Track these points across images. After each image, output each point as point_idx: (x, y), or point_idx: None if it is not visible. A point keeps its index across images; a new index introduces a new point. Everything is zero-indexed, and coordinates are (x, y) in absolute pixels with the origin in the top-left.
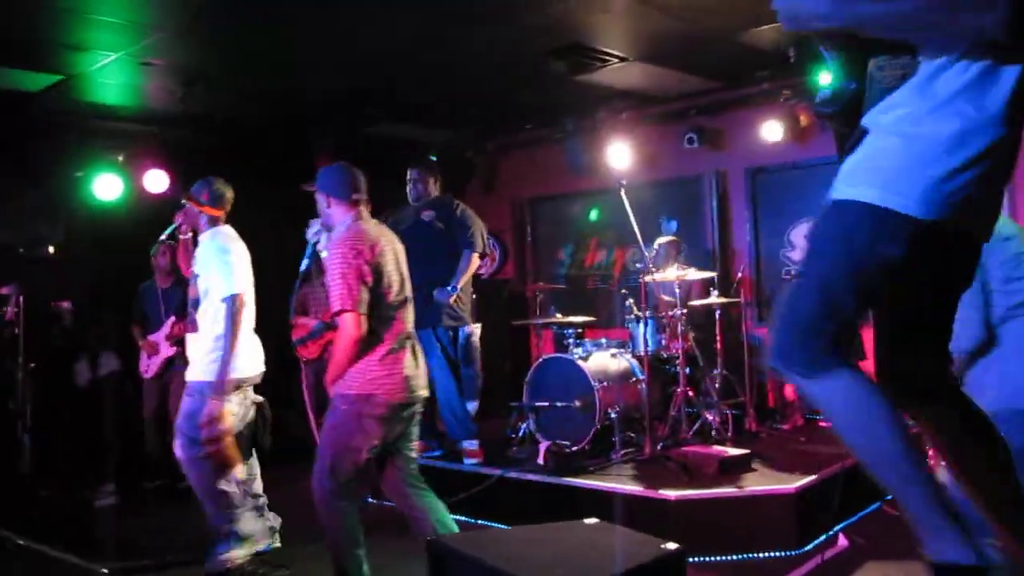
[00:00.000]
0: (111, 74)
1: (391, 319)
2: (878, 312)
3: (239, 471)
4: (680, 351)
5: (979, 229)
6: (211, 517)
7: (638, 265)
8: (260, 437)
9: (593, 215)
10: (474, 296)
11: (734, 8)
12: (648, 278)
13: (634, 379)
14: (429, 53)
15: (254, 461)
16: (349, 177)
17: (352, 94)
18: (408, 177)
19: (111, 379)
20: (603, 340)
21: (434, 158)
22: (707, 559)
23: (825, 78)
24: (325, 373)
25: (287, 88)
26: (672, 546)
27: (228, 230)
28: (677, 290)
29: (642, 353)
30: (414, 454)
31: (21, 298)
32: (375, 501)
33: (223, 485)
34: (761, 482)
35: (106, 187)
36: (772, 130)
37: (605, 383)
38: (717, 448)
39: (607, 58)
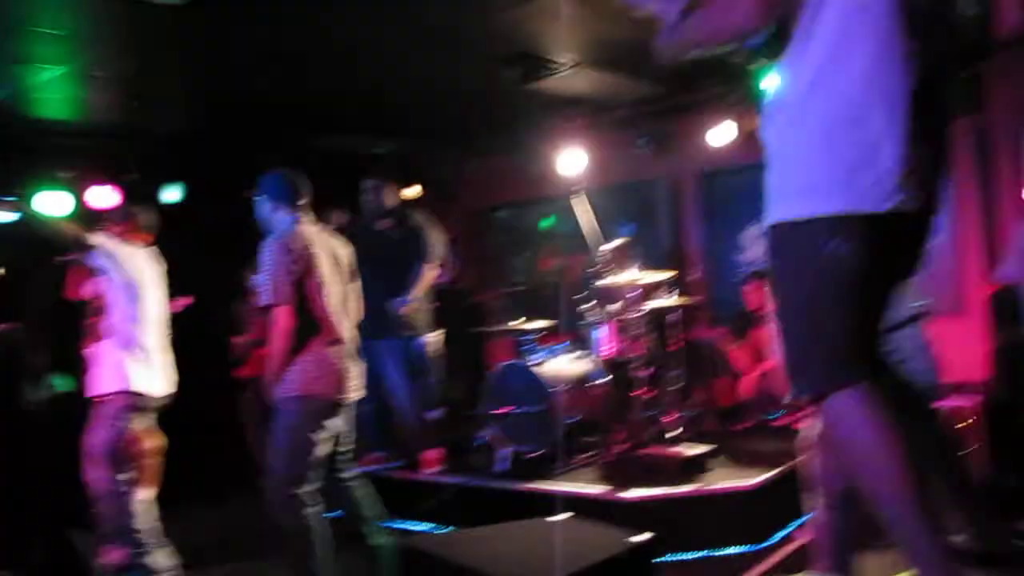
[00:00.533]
0: (56, 88)
1: (326, 321)
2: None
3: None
4: (638, 353)
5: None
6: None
7: (590, 270)
8: None
9: (548, 222)
10: (436, 304)
11: None
12: (604, 282)
13: (593, 383)
14: (379, 63)
15: None
16: (292, 183)
17: (300, 105)
18: (364, 187)
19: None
20: (560, 345)
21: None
22: (670, 558)
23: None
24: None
25: (234, 99)
26: (641, 538)
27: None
28: (633, 292)
29: (600, 357)
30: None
31: None
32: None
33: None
34: (721, 479)
35: (53, 204)
36: (723, 134)
37: (564, 387)
38: (676, 448)
39: (557, 65)
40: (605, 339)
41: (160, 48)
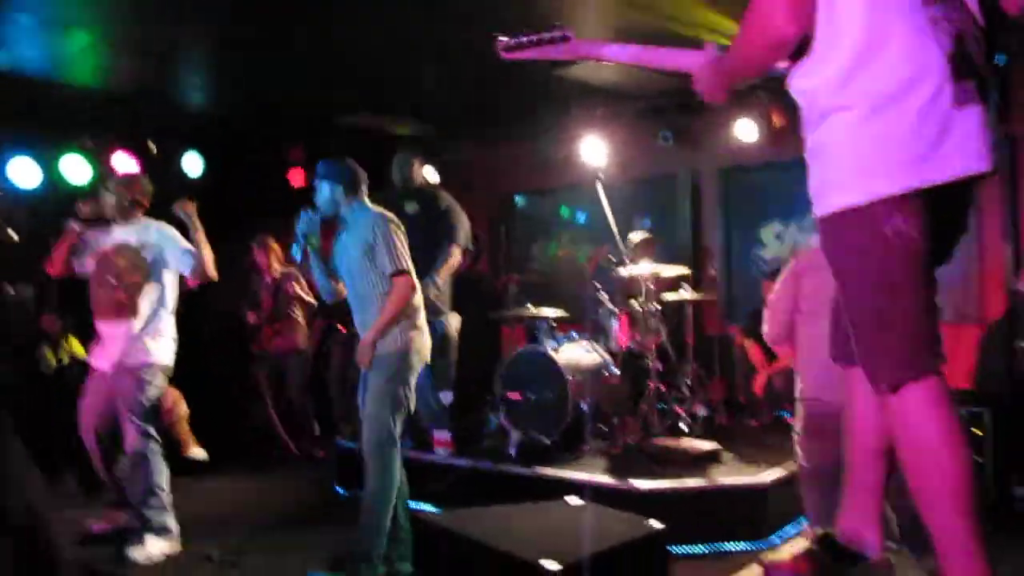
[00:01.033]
0: (83, 53)
1: (415, 289)
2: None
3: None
4: (652, 346)
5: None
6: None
7: (612, 260)
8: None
9: (567, 211)
10: (454, 288)
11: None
12: (621, 273)
13: (606, 373)
14: (406, 45)
15: None
16: (360, 171)
17: (326, 82)
18: (394, 161)
19: (76, 365)
20: (575, 334)
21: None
22: (676, 550)
23: None
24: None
25: (260, 73)
26: (656, 525)
27: None
28: (651, 286)
29: (615, 347)
30: None
31: None
32: (342, 491)
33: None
34: (731, 475)
35: (74, 170)
36: (746, 130)
37: (577, 376)
38: (687, 441)
39: None
40: (620, 330)
41: (189, 20)
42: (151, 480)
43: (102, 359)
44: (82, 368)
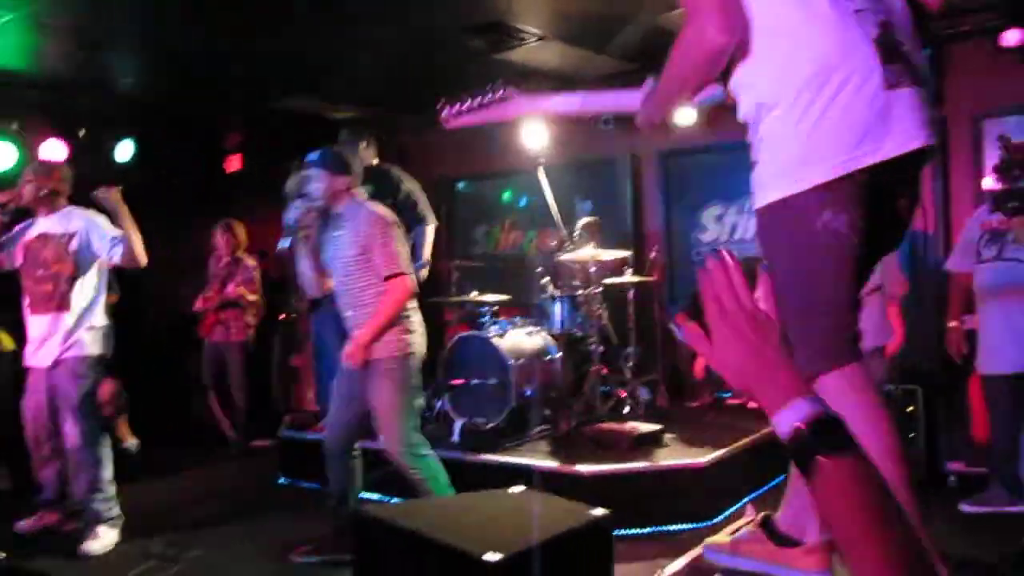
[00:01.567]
0: (6, 35)
1: (414, 285)
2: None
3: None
4: (594, 330)
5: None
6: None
7: (553, 244)
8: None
9: (509, 195)
10: None
11: None
12: (563, 257)
13: (549, 357)
14: (344, 26)
15: None
16: (355, 162)
17: (259, 65)
18: (340, 143)
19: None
20: (518, 319)
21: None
22: (621, 532)
23: None
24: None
25: (192, 56)
26: (600, 512)
27: None
28: (592, 269)
29: (557, 331)
30: None
31: None
32: (285, 481)
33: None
34: (673, 456)
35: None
36: (685, 114)
37: (520, 361)
38: (630, 424)
39: (525, 36)
40: (562, 314)
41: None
42: (96, 473)
43: (38, 356)
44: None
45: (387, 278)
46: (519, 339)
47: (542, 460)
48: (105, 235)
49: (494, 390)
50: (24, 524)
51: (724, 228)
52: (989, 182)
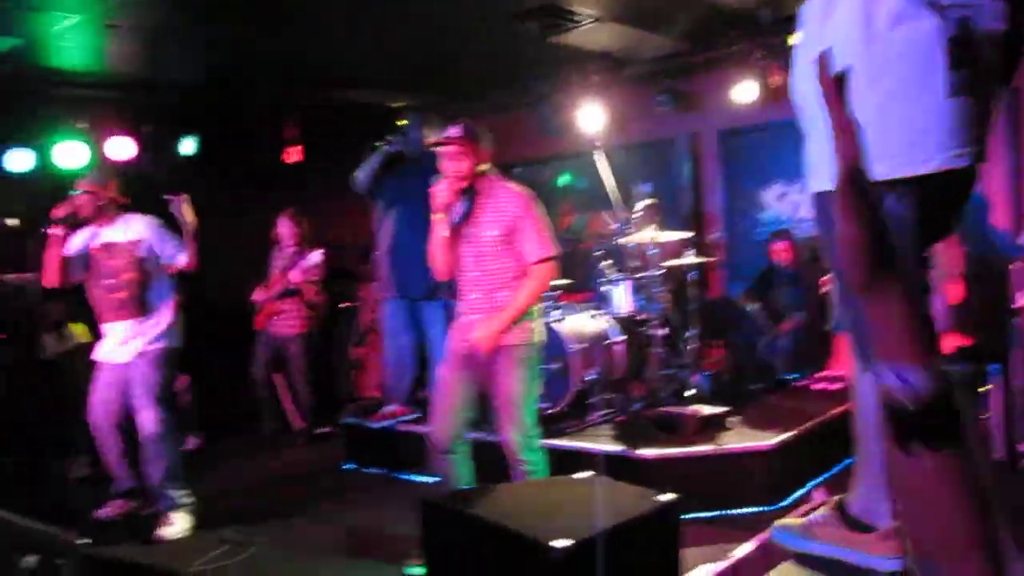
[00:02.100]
0: (73, 37)
1: None
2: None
3: None
4: (655, 312)
5: None
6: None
7: (613, 227)
8: None
9: (566, 179)
10: None
11: None
12: (623, 240)
13: (610, 341)
14: (397, 13)
15: None
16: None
17: (317, 56)
18: (407, 124)
19: (79, 350)
20: (578, 303)
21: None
22: (686, 516)
23: None
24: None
25: (252, 50)
26: (668, 497)
27: None
28: (653, 251)
29: (618, 315)
30: None
31: None
32: (351, 467)
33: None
34: (738, 440)
35: (70, 155)
36: (744, 91)
37: (582, 345)
38: (693, 407)
39: (579, 19)
40: (623, 297)
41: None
42: (170, 461)
43: (115, 354)
44: (85, 353)
45: (536, 262)
46: (580, 323)
47: (605, 445)
48: (167, 239)
49: (556, 375)
50: (104, 511)
51: (787, 207)
52: None
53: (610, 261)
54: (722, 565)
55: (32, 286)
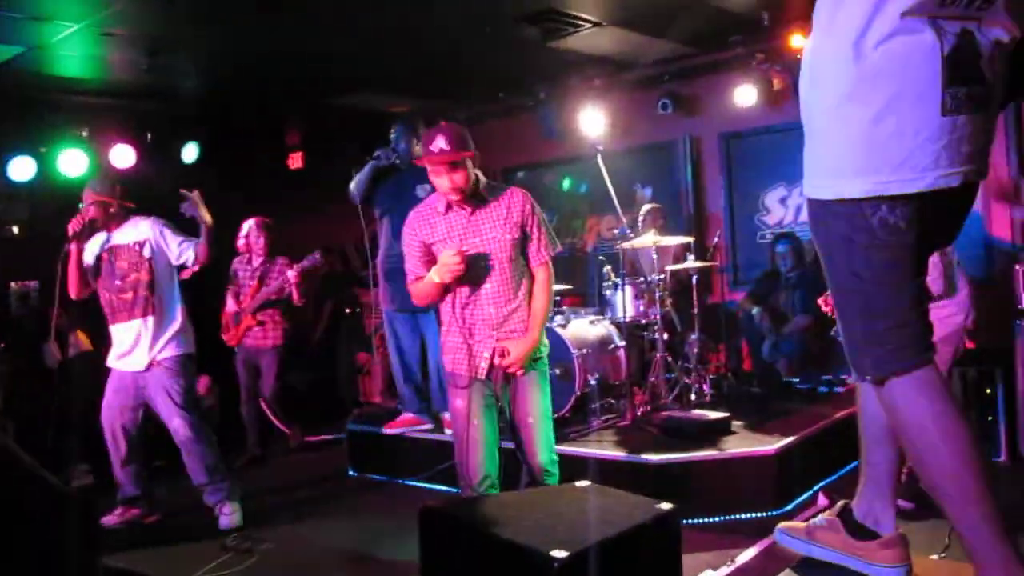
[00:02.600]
0: (73, 46)
1: None
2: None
3: None
4: (658, 317)
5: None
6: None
7: (615, 232)
8: None
9: (567, 183)
10: None
11: None
12: (626, 244)
13: (613, 346)
14: (397, 19)
15: None
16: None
17: (318, 62)
18: (397, 132)
19: (82, 359)
20: (580, 307)
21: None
22: (689, 521)
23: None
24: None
25: (253, 57)
26: (666, 506)
27: None
28: (655, 256)
29: (620, 319)
30: None
31: None
32: (354, 474)
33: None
34: (741, 444)
35: (70, 163)
36: (746, 95)
37: (584, 350)
38: (696, 412)
39: (579, 23)
40: (624, 302)
41: (177, 4)
42: (209, 459)
43: (128, 361)
44: (88, 362)
45: (543, 263)
46: (582, 328)
47: (608, 450)
48: (176, 239)
49: (559, 380)
50: (108, 519)
51: (788, 210)
52: None
53: (611, 266)
54: (725, 570)
55: (35, 294)
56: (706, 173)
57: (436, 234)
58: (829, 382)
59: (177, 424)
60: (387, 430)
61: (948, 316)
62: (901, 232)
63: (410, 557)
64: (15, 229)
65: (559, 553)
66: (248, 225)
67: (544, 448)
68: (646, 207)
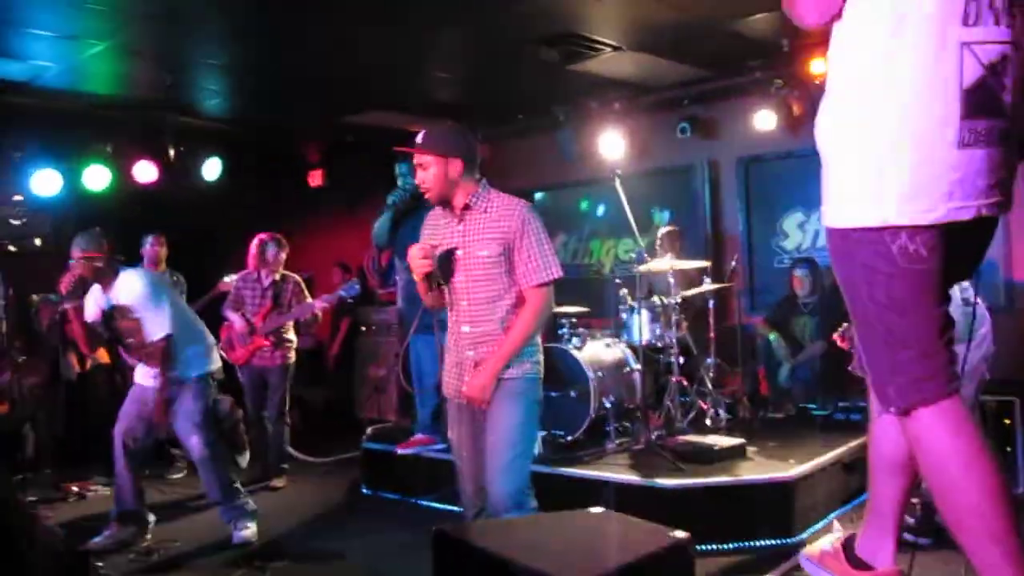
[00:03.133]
0: (99, 63)
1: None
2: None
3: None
4: (674, 340)
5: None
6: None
7: (632, 255)
8: None
9: (585, 205)
10: None
11: None
12: (643, 268)
13: (628, 369)
14: (419, 39)
15: None
16: (475, 141)
17: (338, 82)
18: (397, 172)
19: (100, 372)
20: (596, 330)
21: None
22: (702, 547)
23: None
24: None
25: (273, 75)
26: (680, 534)
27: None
28: (671, 279)
29: (636, 343)
30: None
31: (10, 291)
32: (368, 492)
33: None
34: (757, 471)
35: (94, 178)
36: (764, 119)
37: (600, 373)
38: (712, 437)
39: (600, 47)
40: (640, 325)
41: (200, 23)
42: (225, 476)
43: (146, 378)
44: (106, 375)
45: (537, 285)
46: (598, 351)
47: (622, 474)
48: (149, 310)
49: (574, 402)
50: (96, 541)
51: (806, 236)
52: None
53: (628, 288)
54: None
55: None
56: (724, 197)
57: (436, 236)
58: (846, 408)
59: (194, 442)
60: (400, 450)
61: (967, 353)
62: (923, 259)
63: None
64: (38, 242)
65: None
66: (260, 241)
67: (501, 479)
68: (663, 230)
